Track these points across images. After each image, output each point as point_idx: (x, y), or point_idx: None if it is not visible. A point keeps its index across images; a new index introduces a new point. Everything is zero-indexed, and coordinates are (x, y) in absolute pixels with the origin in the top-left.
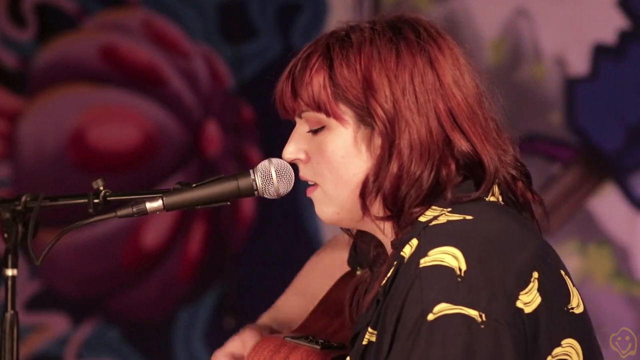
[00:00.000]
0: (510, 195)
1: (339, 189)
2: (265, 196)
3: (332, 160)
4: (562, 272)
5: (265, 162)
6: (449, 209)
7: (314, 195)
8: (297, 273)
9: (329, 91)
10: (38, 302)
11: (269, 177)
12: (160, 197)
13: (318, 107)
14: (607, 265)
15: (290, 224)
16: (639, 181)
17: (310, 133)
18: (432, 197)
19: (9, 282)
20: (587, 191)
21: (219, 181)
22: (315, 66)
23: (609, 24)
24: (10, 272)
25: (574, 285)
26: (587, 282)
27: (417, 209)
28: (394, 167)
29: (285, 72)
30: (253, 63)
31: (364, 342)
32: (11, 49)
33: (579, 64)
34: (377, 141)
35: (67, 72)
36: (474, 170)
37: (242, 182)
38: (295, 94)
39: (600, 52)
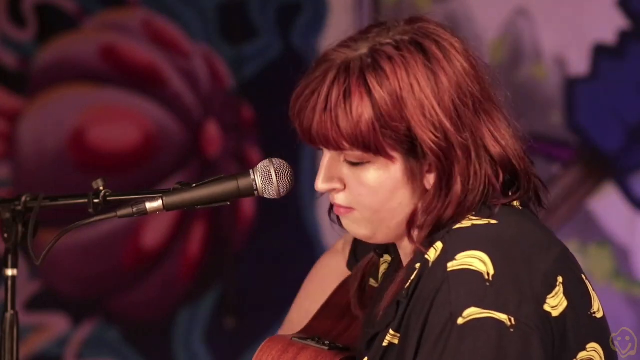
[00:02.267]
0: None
1: (381, 215)
2: (265, 196)
3: (378, 194)
4: (583, 277)
5: (265, 162)
6: (472, 212)
7: (349, 217)
8: (297, 273)
9: (378, 133)
10: (38, 302)
11: (269, 177)
12: (160, 197)
13: (367, 148)
14: (607, 265)
15: (290, 224)
16: (639, 181)
17: (346, 161)
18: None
19: (9, 282)
20: (587, 191)
21: (219, 181)
22: (362, 108)
23: (609, 24)
24: (10, 272)
25: (593, 289)
26: None
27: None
28: (453, 197)
29: (319, 102)
30: (253, 63)
31: (384, 344)
32: (11, 49)
33: (579, 64)
34: (428, 173)
35: (67, 72)
36: (506, 171)
37: (242, 182)
38: (338, 131)
39: (600, 52)
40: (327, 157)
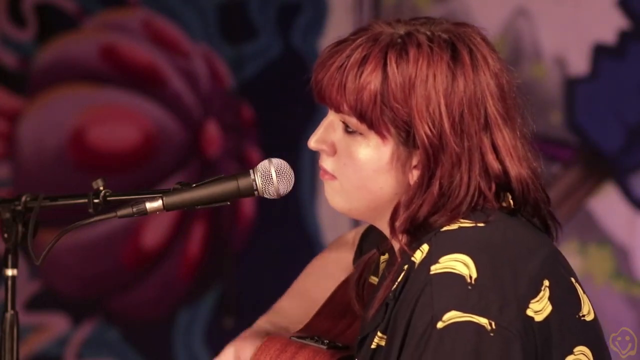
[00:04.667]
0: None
1: (360, 193)
2: (265, 196)
3: (362, 169)
4: (573, 280)
5: (265, 162)
6: (461, 217)
7: (331, 184)
8: (297, 273)
9: (378, 108)
10: (38, 302)
11: (269, 177)
12: (160, 197)
13: (362, 118)
14: (607, 265)
15: (290, 224)
16: (639, 181)
17: (343, 127)
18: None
19: (9, 282)
20: (587, 191)
21: (219, 181)
22: (371, 78)
23: (609, 24)
24: (10, 272)
25: (584, 292)
26: (587, 282)
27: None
28: (428, 197)
29: (338, 60)
30: (253, 63)
31: (373, 346)
32: (11, 49)
33: (579, 64)
34: (414, 166)
35: (67, 72)
36: (501, 186)
37: (242, 182)
38: (343, 92)
39: (600, 52)
40: (329, 118)
